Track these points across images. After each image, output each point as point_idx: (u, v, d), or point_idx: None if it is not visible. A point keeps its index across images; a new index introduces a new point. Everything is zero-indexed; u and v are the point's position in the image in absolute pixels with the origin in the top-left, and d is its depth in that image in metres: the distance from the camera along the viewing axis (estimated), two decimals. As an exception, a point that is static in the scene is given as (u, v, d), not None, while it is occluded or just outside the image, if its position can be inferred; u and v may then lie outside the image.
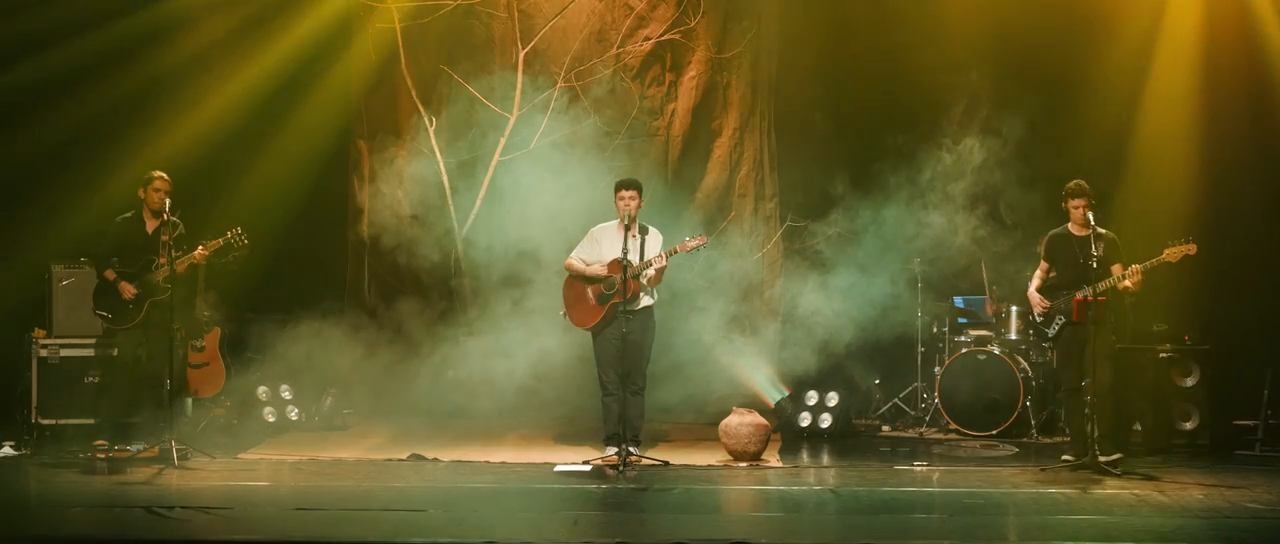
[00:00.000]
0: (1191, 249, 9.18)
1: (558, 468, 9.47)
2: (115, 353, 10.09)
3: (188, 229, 9.99)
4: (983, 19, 11.53)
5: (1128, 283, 9.26)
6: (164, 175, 9.87)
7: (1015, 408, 10.87)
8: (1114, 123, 11.45)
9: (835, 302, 11.39)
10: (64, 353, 10.59)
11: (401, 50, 12.23)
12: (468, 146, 12.23)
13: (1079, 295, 9.37)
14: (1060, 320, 9.58)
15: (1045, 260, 9.73)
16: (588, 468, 9.44)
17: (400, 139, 12.16)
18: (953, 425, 11.10)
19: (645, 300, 9.72)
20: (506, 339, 11.68)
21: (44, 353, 10.58)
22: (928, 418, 11.40)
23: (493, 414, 11.62)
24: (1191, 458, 10.02)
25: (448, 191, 12.17)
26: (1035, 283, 9.77)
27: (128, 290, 9.81)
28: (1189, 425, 10.37)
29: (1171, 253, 9.20)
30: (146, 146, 11.28)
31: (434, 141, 12.17)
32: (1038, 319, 9.74)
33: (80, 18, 11.32)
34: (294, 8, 11.95)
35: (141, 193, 9.90)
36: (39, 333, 10.64)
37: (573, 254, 9.93)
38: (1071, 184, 9.49)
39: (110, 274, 9.88)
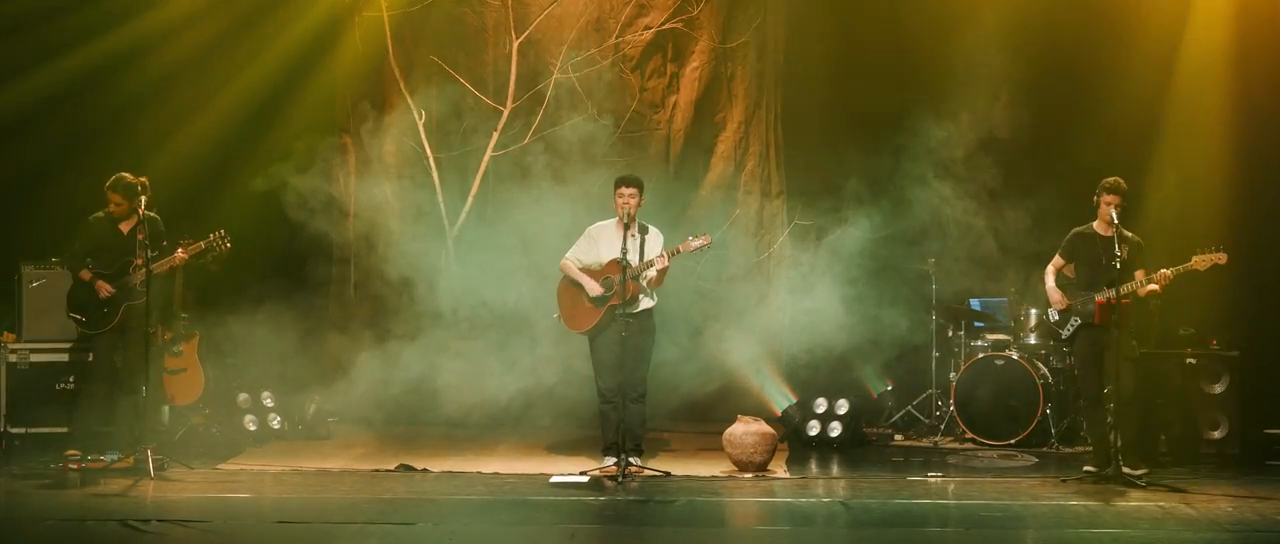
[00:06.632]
0: (1222, 258, 9.10)
1: (553, 479, 9.47)
2: (90, 358, 10.09)
3: (167, 228, 9.97)
4: (1001, 5, 11.53)
5: (1153, 287, 9.23)
6: (112, 182, 9.80)
7: (1035, 415, 10.87)
8: (1140, 117, 11.44)
9: (845, 303, 11.37)
10: (34, 358, 10.59)
11: (389, 40, 12.23)
12: (459, 141, 12.23)
13: (1101, 297, 9.35)
14: (1075, 322, 9.56)
15: (1063, 257, 9.70)
16: (585, 479, 9.43)
17: (388, 134, 12.13)
18: (969, 434, 11.09)
19: (645, 303, 9.73)
20: (500, 343, 11.68)
21: (13, 358, 10.58)
22: (943, 426, 11.39)
23: (485, 422, 11.61)
24: (1220, 468, 10.02)
25: (438, 188, 12.16)
26: (1052, 277, 9.71)
27: (104, 288, 9.81)
28: (1217, 434, 10.38)
29: (1200, 261, 9.14)
30: (123, 143, 11.28)
31: (423, 136, 12.16)
32: (1052, 318, 9.72)
33: (58, 16, 11.35)
34: (278, -1, 12.00)
35: (112, 208, 9.90)
36: (8, 337, 10.64)
37: (568, 254, 9.93)
38: (1109, 180, 9.40)
39: (86, 274, 9.88)
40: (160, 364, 10.42)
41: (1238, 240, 9.62)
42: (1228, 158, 11.21)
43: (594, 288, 9.69)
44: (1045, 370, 11.06)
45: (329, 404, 11.54)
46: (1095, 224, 9.56)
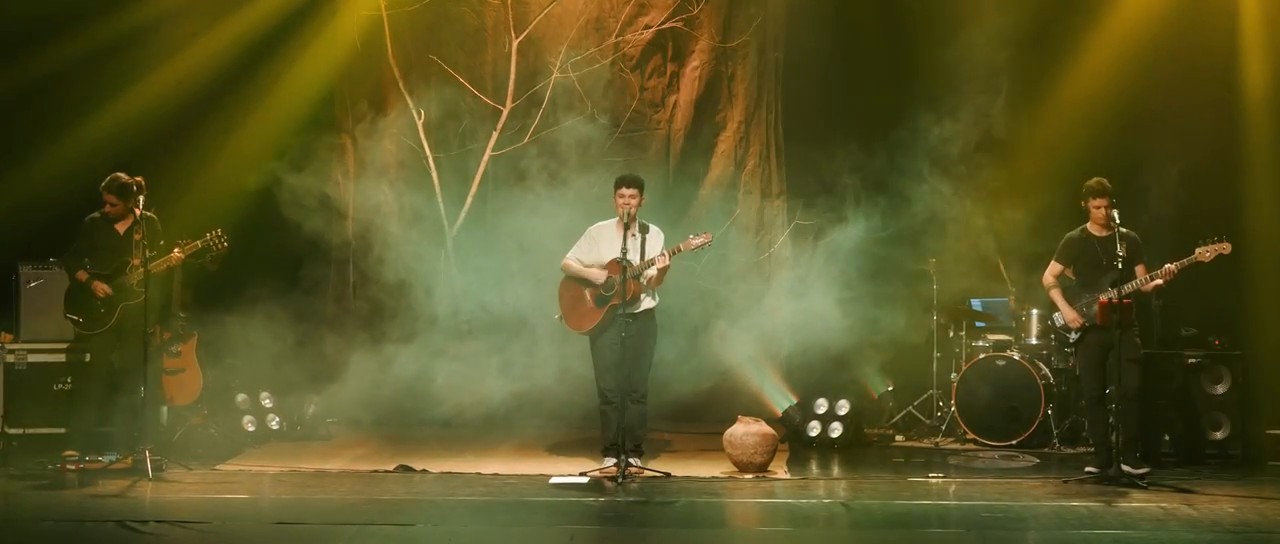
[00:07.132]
0: (1225, 248, 9.15)
1: (553, 480, 9.46)
2: (87, 358, 10.09)
3: (163, 227, 9.97)
4: (1001, 3, 11.52)
5: (1158, 281, 9.24)
6: (107, 183, 9.81)
7: (1036, 416, 10.86)
8: (1142, 115, 11.44)
9: (846, 303, 11.37)
10: (32, 358, 10.59)
11: (387, 38, 12.22)
12: (458, 141, 12.22)
13: (1104, 298, 9.36)
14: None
15: (1060, 263, 9.68)
16: (585, 480, 9.43)
17: (387, 134, 12.13)
18: (970, 435, 11.09)
19: (646, 302, 9.72)
20: (500, 343, 11.67)
21: (11, 358, 10.58)
22: (944, 427, 11.38)
23: (484, 423, 11.60)
24: (1222, 469, 10.02)
25: (437, 188, 12.16)
26: (1060, 292, 9.66)
27: (101, 288, 9.81)
28: (1220, 435, 10.36)
29: (1204, 252, 9.16)
30: (118, 140, 11.27)
31: (422, 135, 12.16)
32: (1058, 323, 9.73)
33: (50, 14, 11.35)
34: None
35: (107, 208, 9.89)
36: (5, 337, 10.64)
37: (570, 254, 9.93)
38: (1092, 183, 9.46)
39: (82, 275, 9.88)
40: (158, 364, 10.40)
41: (1239, 239, 9.60)
42: (1230, 155, 11.20)
43: (600, 276, 9.67)
44: (1047, 371, 11.05)
45: (327, 405, 11.54)
46: (1088, 226, 9.56)
